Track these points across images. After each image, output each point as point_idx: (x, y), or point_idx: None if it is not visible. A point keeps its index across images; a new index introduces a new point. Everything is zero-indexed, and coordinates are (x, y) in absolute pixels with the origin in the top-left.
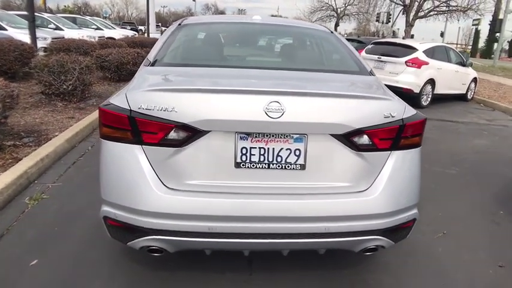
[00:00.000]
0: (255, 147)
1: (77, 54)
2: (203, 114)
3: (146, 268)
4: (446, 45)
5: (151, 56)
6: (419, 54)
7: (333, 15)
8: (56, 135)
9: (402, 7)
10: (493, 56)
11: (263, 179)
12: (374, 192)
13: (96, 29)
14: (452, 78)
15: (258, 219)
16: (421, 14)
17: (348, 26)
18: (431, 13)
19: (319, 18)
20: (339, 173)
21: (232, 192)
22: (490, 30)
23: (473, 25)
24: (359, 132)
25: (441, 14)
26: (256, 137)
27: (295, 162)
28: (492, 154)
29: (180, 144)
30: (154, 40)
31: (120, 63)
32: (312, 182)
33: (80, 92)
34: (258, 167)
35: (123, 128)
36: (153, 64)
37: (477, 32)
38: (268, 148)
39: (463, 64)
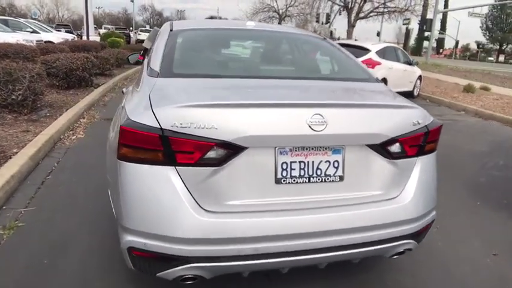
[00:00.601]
0: (295, 162)
1: (18, 60)
2: (246, 130)
3: None
4: (395, 45)
5: (155, 65)
6: (373, 55)
7: (275, 17)
8: (15, 152)
9: (340, 8)
10: (423, 53)
11: (304, 193)
12: (405, 198)
13: (31, 32)
14: (401, 76)
15: (303, 236)
16: (361, 15)
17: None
18: (371, 14)
19: (262, 20)
20: (374, 181)
21: (275, 210)
22: (419, 29)
23: (403, 24)
24: (393, 140)
25: (380, 14)
26: (296, 150)
27: (334, 174)
28: (450, 147)
29: (219, 163)
30: (96, 44)
31: (69, 69)
32: (350, 193)
33: (31, 103)
34: (298, 181)
35: (152, 149)
36: (163, 75)
37: (408, 31)
38: (308, 161)
39: (409, 63)
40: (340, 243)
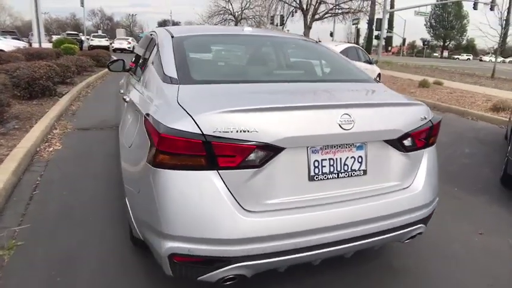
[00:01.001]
0: (326, 159)
1: None
2: (284, 131)
3: None
4: (356, 45)
5: (170, 72)
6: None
7: (231, 19)
8: None
9: (293, 10)
10: (372, 51)
11: (334, 188)
12: (417, 187)
13: None
14: None
15: (336, 228)
16: (317, 16)
17: None
18: (327, 15)
19: (218, 22)
20: (391, 173)
21: (310, 206)
22: (367, 28)
23: (353, 24)
24: (407, 135)
25: (335, 16)
26: (326, 149)
27: (358, 168)
28: None
29: (259, 164)
30: (51, 51)
31: (32, 79)
32: (372, 185)
33: None
34: (329, 177)
35: (195, 154)
36: (184, 82)
37: (357, 31)
38: (336, 158)
39: (369, 62)
40: (367, 232)
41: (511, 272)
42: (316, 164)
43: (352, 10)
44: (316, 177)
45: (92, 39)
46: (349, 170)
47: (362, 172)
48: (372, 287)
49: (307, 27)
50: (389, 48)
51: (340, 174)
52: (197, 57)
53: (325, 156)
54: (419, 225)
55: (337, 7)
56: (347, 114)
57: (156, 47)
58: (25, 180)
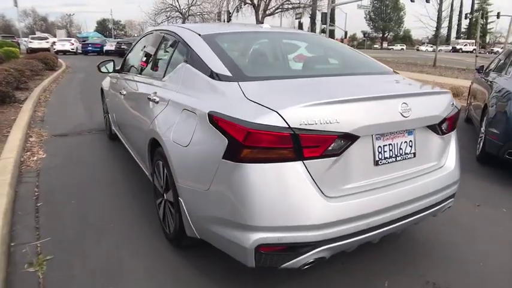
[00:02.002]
0: (386, 145)
1: None
2: (359, 121)
3: None
4: None
5: (218, 69)
6: (303, 51)
7: (178, 17)
8: None
9: (238, 6)
10: None
11: (393, 170)
12: (450, 165)
13: None
14: None
15: (397, 207)
16: (268, 12)
17: None
18: (278, 10)
19: (165, 20)
20: (432, 154)
21: (377, 188)
22: (310, 22)
23: (296, 19)
24: (444, 120)
25: (285, 10)
26: (387, 135)
27: (410, 152)
28: None
29: (339, 153)
30: None
31: None
32: (420, 166)
33: None
34: (389, 161)
35: (282, 147)
36: (241, 79)
37: (300, 25)
38: (394, 144)
39: None
40: (418, 208)
41: (506, 233)
42: (380, 150)
43: (302, 5)
44: (380, 162)
45: (30, 42)
46: (403, 153)
47: (412, 155)
48: (398, 257)
49: (260, 23)
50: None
51: (397, 157)
52: (237, 54)
53: (386, 142)
54: (451, 200)
55: (287, 2)
56: (405, 103)
57: (183, 45)
58: (22, 192)
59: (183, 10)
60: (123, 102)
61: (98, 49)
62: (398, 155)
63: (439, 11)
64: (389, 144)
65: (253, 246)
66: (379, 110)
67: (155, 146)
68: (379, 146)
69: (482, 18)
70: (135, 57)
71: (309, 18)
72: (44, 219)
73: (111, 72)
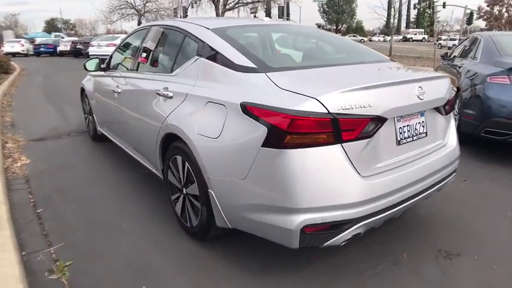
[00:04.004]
0: (405, 126)
1: None
2: (388, 104)
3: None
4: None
5: (241, 61)
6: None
7: (134, 14)
8: None
9: (192, 1)
10: None
11: (411, 149)
12: (452, 143)
13: None
14: None
15: (419, 181)
16: (228, 6)
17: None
18: (238, 5)
19: (121, 17)
20: (438, 133)
21: (401, 165)
22: (265, 16)
23: (251, 13)
24: (448, 101)
25: (245, 5)
26: (405, 117)
27: (423, 131)
28: None
29: (371, 134)
30: None
31: None
32: (431, 144)
33: None
34: (408, 141)
35: (323, 131)
36: (267, 70)
37: (255, 19)
38: (411, 124)
39: None
40: (432, 183)
41: (495, 203)
42: (400, 131)
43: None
44: (402, 141)
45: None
46: (418, 133)
47: (425, 134)
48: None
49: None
50: None
51: (414, 137)
52: (253, 47)
53: (404, 123)
54: (454, 174)
55: None
56: (420, 87)
57: (192, 40)
58: (16, 200)
59: (139, 7)
60: (118, 100)
61: (51, 50)
62: (414, 134)
63: (389, 3)
64: (407, 125)
65: (298, 227)
66: (401, 94)
67: (169, 142)
68: (400, 127)
69: (429, 8)
70: (127, 54)
71: (264, 13)
72: (49, 225)
73: (96, 71)
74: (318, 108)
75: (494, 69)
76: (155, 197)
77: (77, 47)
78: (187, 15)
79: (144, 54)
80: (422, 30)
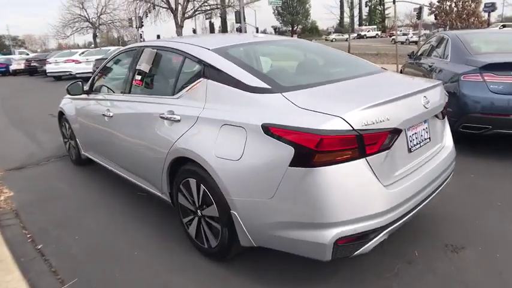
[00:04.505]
0: (413, 133)
1: None
2: (402, 116)
3: None
4: None
5: (254, 83)
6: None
7: (88, 27)
8: None
9: (147, 11)
10: None
11: (420, 155)
12: (449, 145)
13: None
14: None
15: (429, 184)
16: (187, 15)
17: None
18: (197, 13)
19: (75, 31)
20: (438, 137)
21: (414, 171)
22: (221, 21)
23: (206, 19)
24: (444, 107)
25: (203, 12)
26: (413, 126)
27: (427, 137)
28: None
29: (390, 146)
30: None
31: None
32: (434, 148)
33: None
34: (417, 148)
35: (349, 148)
36: (281, 90)
37: (211, 24)
38: (417, 132)
39: None
40: (438, 185)
41: (483, 195)
42: (411, 139)
43: (222, 6)
44: (412, 149)
45: None
46: (424, 139)
47: (429, 139)
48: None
49: (179, 26)
50: None
51: (421, 143)
52: (259, 66)
53: (413, 131)
54: (452, 174)
55: (206, 4)
56: (425, 96)
57: (193, 61)
58: (10, 237)
59: (93, 19)
60: (110, 124)
61: (3, 69)
62: (421, 141)
63: (341, 2)
64: (415, 133)
65: (332, 241)
66: (411, 105)
67: (178, 165)
68: (410, 136)
69: (380, 5)
70: (115, 76)
71: (220, 18)
72: (56, 261)
73: (80, 94)
74: (343, 126)
75: (467, 68)
76: (158, 220)
77: (32, 64)
78: (142, 25)
79: (139, 77)
80: (375, 26)
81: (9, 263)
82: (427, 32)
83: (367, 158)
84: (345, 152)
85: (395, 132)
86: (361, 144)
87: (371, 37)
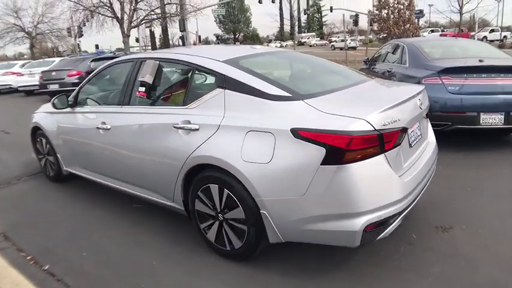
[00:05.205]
0: (412, 131)
1: None
2: (406, 116)
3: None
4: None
5: (274, 91)
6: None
7: (24, 36)
8: None
9: (84, 19)
10: None
11: (416, 149)
12: (433, 140)
13: None
14: None
15: (426, 174)
16: (134, 24)
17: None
18: (143, 22)
19: (10, 42)
20: (425, 133)
21: (415, 162)
22: (162, 30)
23: (146, 27)
24: (429, 106)
25: (149, 21)
26: (411, 125)
27: (420, 134)
28: None
29: (401, 142)
30: None
31: None
32: (424, 143)
33: None
34: (415, 143)
35: (372, 146)
36: (301, 98)
37: (152, 33)
38: (414, 130)
39: None
40: (430, 176)
41: (454, 182)
42: (410, 136)
43: (168, 15)
44: (412, 144)
45: None
46: (418, 135)
47: (421, 136)
48: (410, 217)
49: (126, 35)
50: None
51: (417, 139)
52: (273, 76)
53: (411, 129)
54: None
55: (152, 13)
56: (419, 99)
57: (207, 73)
58: (9, 260)
59: (29, 29)
60: (107, 137)
61: None
62: (417, 137)
63: (281, 10)
64: (412, 131)
65: (362, 228)
66: (412, 107)
67: (194, 173)
68: (410, 133)
69: (318, 13)
70: (108, 88)
71: (160, 26)
72: (71, 280)
73: (66, 107)
74: (367, 127)
75: (426, 72)
76: (164, 228)
77: None
78: (82, 35)
79: (142, 89)
80: (314, 34)
81: (27, 285)
82: (363, 37)
83: (385, 153)
84: (369, 149)
85: (404, 130)
86: (381, 142)
87: (311, 45)
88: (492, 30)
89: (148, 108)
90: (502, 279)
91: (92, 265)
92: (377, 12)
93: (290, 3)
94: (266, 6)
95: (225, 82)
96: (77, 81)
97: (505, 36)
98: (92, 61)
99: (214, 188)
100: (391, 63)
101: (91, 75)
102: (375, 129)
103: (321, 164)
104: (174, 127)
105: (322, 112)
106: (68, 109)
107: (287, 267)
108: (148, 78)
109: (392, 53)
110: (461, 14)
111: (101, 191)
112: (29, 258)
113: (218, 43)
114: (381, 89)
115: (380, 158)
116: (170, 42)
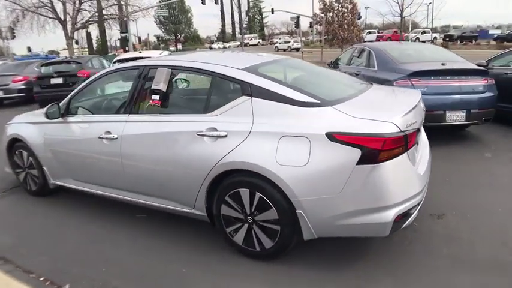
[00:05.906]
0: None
1: None
2: (418, 119)
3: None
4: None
5: (301, 98)
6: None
7: None
8: None
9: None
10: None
11: (419, 148)
12: (426, 139)
13: None
14: None
15: (427, 170)
16: (78, 25)
17: None
18: (89, 23)
19: None
20: (421, 132)
21: (422, 157)
22: (99, 32)
23: (82, 28)
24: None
25: (95, 23)
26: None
27: (421, 135)
28: None
29: (417, 142)
30: None
31: None
32: (421, 141)
33: None
34: (418, 140)
35: (399, 146)
36: (329, 104)
37: (89, 35)
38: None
39: None
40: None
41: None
42: (416, 135)
43: (115, 16)
44: (416, 144)
45: None
46: (419, 137)
47: (419, 136)
48: None
49: (70, 38)
50: (126, 48)
51: (418, 136)
52: (294, 83)
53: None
54: None
55: (97, 15)
56: (422, 104)
57: (229, 81)
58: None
59: None
60: (113, 146)
61: None
62: (419, 138)
63: (222, 11)
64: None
65: (392, 219)
66: (420, 110)
67: (220, 179)
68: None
69: (259, 14)
70: (110, 97)
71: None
72: None
73: (57, 118)
74: (396, 129)
75: (397, 75)
76: (178, 235)
77: None
78: (14, 37)
79: (156, 97)
80: (256, 35)
81: None
82: (303, 39)
83: (408, 151)
84: (397, 149)
85: (418, 131)
86: (406, 141)
87: (253, 45)
88: (424, 32)
89: (163, 117)
90: (500, 256)
91: (118, 279)
92: (323, 15)
93: (231, 4)
94: (208, 7)
95: (250, 90)
96: (23, 87)
97: (435, 37)
98: (42, 65)
99: (244, 192)
100: (357, 67)
101: (84, 83)
102: (401, 131)
103: (357, 164)
104: (198, 134)
105: (352, 117)
106: (59, 119)
107: (318, 260)
108: (163, 86)
109: (358, 56)
110: (402, 17)
111: (93, 202)
112: (42, 279)
113: (159, 44)
114: (388, 94)
115: (405, 156)
116: (108, 44)
